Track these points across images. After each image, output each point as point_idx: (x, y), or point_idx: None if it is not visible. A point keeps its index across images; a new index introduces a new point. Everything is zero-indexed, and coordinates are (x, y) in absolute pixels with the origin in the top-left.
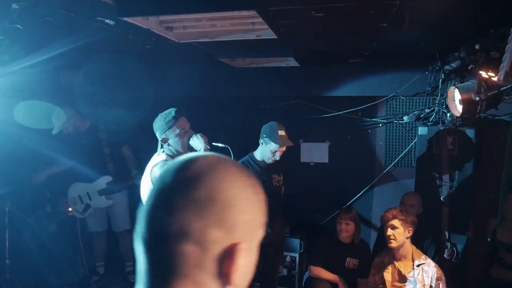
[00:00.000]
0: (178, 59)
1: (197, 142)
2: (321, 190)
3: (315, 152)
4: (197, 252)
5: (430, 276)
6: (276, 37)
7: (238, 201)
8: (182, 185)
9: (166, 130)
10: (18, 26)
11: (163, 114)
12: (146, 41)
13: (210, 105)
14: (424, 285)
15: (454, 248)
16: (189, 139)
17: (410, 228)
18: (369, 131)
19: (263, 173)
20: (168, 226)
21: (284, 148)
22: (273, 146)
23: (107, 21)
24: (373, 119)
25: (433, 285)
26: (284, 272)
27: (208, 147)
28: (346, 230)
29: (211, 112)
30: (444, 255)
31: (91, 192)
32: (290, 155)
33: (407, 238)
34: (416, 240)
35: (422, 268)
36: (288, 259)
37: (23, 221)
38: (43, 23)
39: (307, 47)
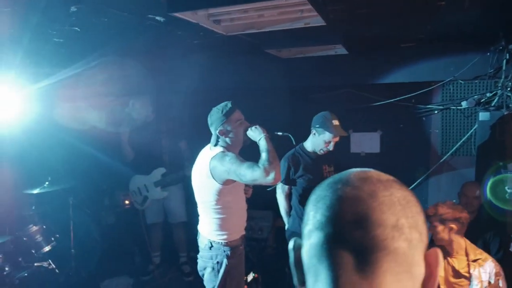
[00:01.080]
0: (225, 52)
1: (256, 133)
2: None
3: (366, 142)
4: (407, 251)
5: (488, 271)
6: (325, 24)
7: (420, 209)
8: (380, 186)
9: (224, 122)
10: (76, 28)
11: (219, 106)
12: (194, 36)
13: (258, 97)
14: (481, 281)
15: None
16: (246, 130)
17: (452, 225)
18: (424, 118)
19: (313, 164)
20: (382, 218)
21: (337, 138)
22: (327, 136)
23: (158, 18)
24: (428, 106)
25: (492, 282)
26: None
27: (268, 135)
28: None
29: (259, 104)
30: (510, 249)
31: (148, 184)
32: (340, 146)
33: (454, 234)
34: (478, 233)
35: (479, 264)
36: None
37: (85, 214)
38: (98, 24)
39: (357, 33)
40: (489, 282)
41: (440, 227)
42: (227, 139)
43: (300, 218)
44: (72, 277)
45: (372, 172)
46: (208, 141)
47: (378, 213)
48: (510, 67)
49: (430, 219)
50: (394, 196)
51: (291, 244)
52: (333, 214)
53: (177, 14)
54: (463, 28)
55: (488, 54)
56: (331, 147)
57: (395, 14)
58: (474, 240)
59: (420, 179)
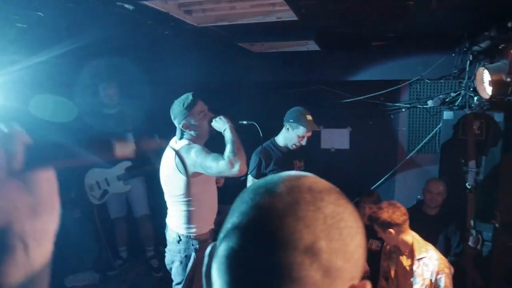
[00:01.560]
0: (197, 44)
1: (220, 123)
2: (342, 176)
3: (336, 138)
4: (320, 281)
5: (430, 270)
6: (297, 18)
7: (358, 230)
8: (307, 197)
9: (187, 116)
10: (40, 13)
11: (180, 99)
12: (165, 27)
13: (230, 91)
14: (424, 279)
15: (479, 236)
16: (210, 122)
17: (390, 230)
18: (392, 116)
19: (285, 159)
20: (294, 238)
21: (310, 133)
22: (301, 130)
23: (126, 6)
24: (396, 104)
25: (433, 280)
26: None
27: (233, 125)
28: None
29: (230, 98)
30: (469, 243)
31: (109, 178)
32: (310, 142)
33: (396, 236)
34: (440, 227)
35: (423, 262)
36: None
37: None
38: (64, 10)
39: (328, 30)
40: (430, 280)
41: (381, 233)
42: (192, 132)
43: None
44: None
45: (307, 178)
46: (175, 133)
47: (290, 231)
48: (473, 68)
49: (373, 225)
50: (320, 211)
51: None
52: (240, 225)
53: (146, 3)
54: (430, 28)
55: (453, 55)
56: (304, 142)
57: (365, 12)
58: (436, 235)
59: (387, 175)
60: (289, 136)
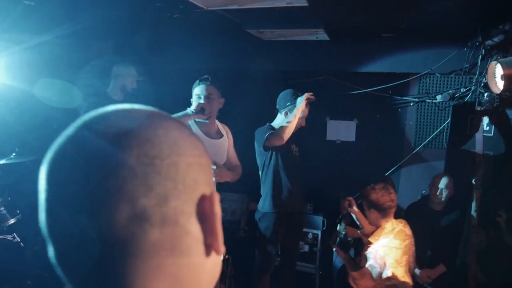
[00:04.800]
0: (206, 30)
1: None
2: (347, 169)
3: (342, 130)
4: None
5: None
6: (307, 4)
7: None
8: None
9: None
10: None
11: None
12: (173, 9)
13: (237, 78)
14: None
15: (483, 233)
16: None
17: (372, 210)
18: (399, 110)
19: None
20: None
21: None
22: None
23: None
24: (404, 98)
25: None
26: (306, 248)
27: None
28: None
29: (238, 85)
30: (473, 239)
31: None
32: (316, 133)
33: (376, 219)
34: (445, 223)
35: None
36: (310, 236)
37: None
38: None
39: (339, 18)
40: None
41: (367, 211)
42: (286, 119)
43: (272, 197)
44: (39, 251)
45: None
46: None
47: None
48: (484, 63)
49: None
50: None
51: None
52: None
53: None
54: (442, 21)
55: (465, 49)
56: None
57: (377, 0)
58: (441, 230)
59: (392, 169)
60: (284, 120)
